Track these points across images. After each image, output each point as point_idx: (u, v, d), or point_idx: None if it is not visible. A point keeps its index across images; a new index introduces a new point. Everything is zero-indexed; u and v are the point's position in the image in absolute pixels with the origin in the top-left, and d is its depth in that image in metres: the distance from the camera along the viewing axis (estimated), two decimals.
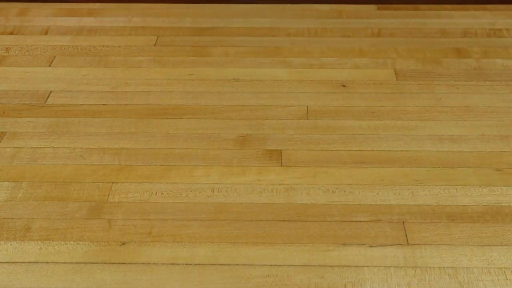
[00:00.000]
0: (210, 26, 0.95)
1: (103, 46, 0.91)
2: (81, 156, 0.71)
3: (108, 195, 0.65)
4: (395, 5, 1.02)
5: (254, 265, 0.59)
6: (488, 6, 1.01)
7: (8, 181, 0.67)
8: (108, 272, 0.57)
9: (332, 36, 0.94)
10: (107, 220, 0.62)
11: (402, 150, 0.71)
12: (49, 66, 0.87)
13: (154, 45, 0.90)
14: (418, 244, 0.59)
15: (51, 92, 0.82)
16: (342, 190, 0.67)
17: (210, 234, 0.62)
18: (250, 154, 0.70)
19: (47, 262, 0.58)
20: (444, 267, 0.57)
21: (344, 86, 0.83)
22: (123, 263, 0.57)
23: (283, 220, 0.64)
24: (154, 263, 0.57)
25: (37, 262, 0.58)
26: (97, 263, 0.58)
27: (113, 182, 0.67)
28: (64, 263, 0.58)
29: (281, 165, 0.69)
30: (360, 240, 0.61)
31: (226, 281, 0.57)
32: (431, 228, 0.61)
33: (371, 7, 1.02)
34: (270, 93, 0.80)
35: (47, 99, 0.80)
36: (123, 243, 0.60)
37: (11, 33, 0.95)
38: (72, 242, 0.60)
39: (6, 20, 0.98)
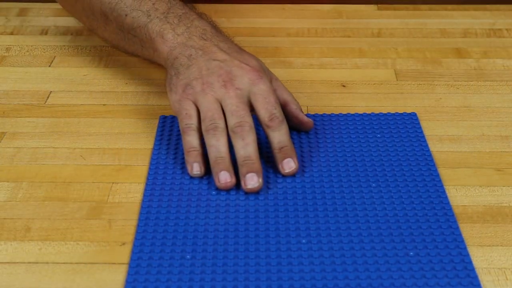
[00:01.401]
0: None
1: (103, 46, 0.91)
2: (81, 156, 0.71)
3: (108, 195, 0.65)
4: (395, 5, 1.02)
5: None
6: (488, 6, 1.01)
7: (8, 181, 0.67)
8: (108, 272, 0.57)
9: (332, 36, 0.94)
10: (107, 220, 0.62)
11: None
12: (49, 66, 0.87)
13: None
14: None
15: (51, 92, 0.82)
16: None
17: None
18: None
19: (47, 262, 0.58)
20: None
21: (344, 86, 0.83)
22: (123, 263, 0.57)
23: None
24: None
25: (37, 263, 0.58)
26: (97, 263, 0.58)
27: (113, 182, 0.67)
28: (64, 263, 0.58)
29: None
30: None
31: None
32: None
33: (371, 7, 1.02)
34: None
35: (47, 99, 0.80)
36: (123, 243, 0.60)
37: (11, 33, 0.95)
38: (72, 242, 0.60)
39: (6, 20, 0.98)
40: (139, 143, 0.73)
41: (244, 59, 0.69)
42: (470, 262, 0.55)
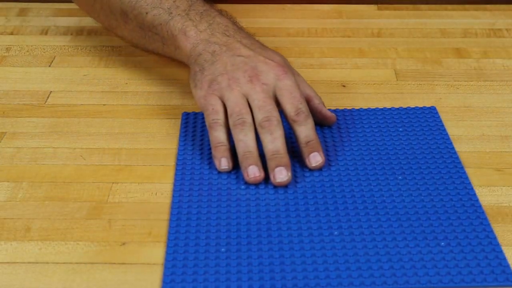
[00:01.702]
0: None
1: (103, 46, 0.91)
2: (81, 156, 0.71)
3: (108, 195, 0.65)
4: (395, 5, 1.02)
5: None
6: (488, 6, 1.01)
7: (8, 181, 0.67)
8: (108, 272, 0.57)
9: (332, 36, 0.94)
10: (107, 220, 0.62)
11: None
12: (49, 66, 0.87)
13: None
14: None
15: (51, 92, 0.82)
16: None
17: None
18: None
19: (47, 262, 0.58)
20: None
21: (344, 86, 0.83)
22: (123, 263, 0.57)
23: None
24: (154, 263, 0.57)
25: (37, 262, 0.58)
26: (97, 263, 0.58)
27: (113, 182, 0.67)
28: (64, 263, 0.58)
29: None
30: None
31: None
32: None
33: (371, 7, 1.02)
34: None
35: (47, 99, 0.80)
36: (123, 243, 0.60)
37: (11, 33, 0.95)
38: (72, 242, 0.60)
39: (6, 20, 0.98)
40: (139, 143, 0.73)
41: (268, 55, 0.70)
42: (500, 248, 0.57)
